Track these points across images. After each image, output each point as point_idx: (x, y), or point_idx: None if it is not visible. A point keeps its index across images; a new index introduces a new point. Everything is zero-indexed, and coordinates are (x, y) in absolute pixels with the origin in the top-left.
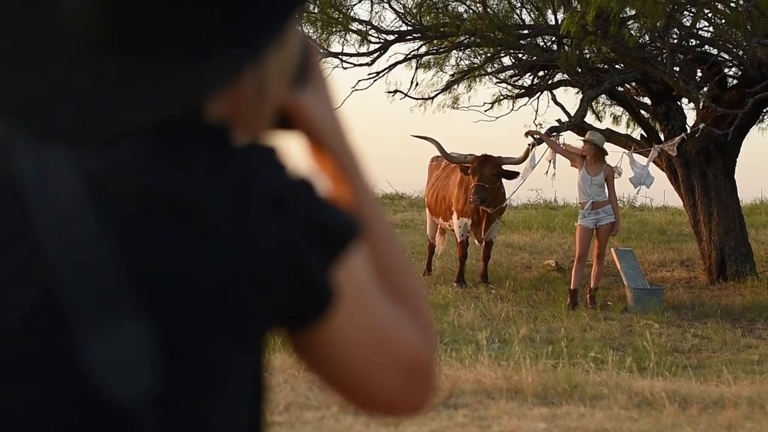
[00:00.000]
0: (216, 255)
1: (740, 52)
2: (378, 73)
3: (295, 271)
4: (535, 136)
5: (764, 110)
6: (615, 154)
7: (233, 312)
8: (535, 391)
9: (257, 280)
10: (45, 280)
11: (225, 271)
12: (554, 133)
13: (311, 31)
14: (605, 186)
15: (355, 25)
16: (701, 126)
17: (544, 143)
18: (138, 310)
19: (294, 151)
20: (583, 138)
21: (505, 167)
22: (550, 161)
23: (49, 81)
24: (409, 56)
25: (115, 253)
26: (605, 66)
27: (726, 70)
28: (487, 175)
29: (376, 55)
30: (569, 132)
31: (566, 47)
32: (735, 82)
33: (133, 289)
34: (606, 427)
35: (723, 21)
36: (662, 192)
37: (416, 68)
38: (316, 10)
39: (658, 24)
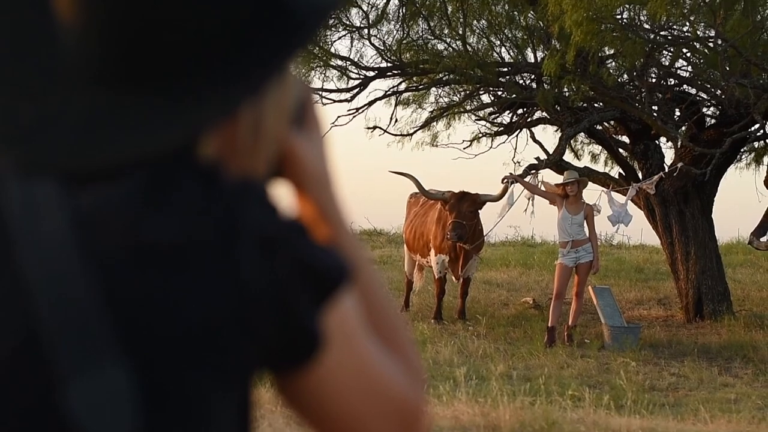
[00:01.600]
0: (202, 297)
1: (718, 92)
2: (357, 109)
3: (282, 313)
4: (511, 181)
5: (742, 149)
6: (593, 193)
7: (219, 354)
8: (512, 429)
9: (244, 322)
10: (27, 320)
11: (211, 314)
12: (533, 171)
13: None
14: (585, 225)
15: (335, 61)
16: (679, 165)
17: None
18: (121, 354)
19: (284, 194)
20: (563, 181)
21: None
22: (528, 199)
23: (41, 112)
24: (389, 93)
25: (99, 295)
26: (584, 104)
27: (704, 109)
28: (464, 211)
29: (356, 91)
30: (548, 170)
31: (545, 85)
32: (713, 121)
33: (116, 332)
34: None
35: (701, 61)
36: (639, 230)
37: (395, 105)
38: None
39: (636, 63)
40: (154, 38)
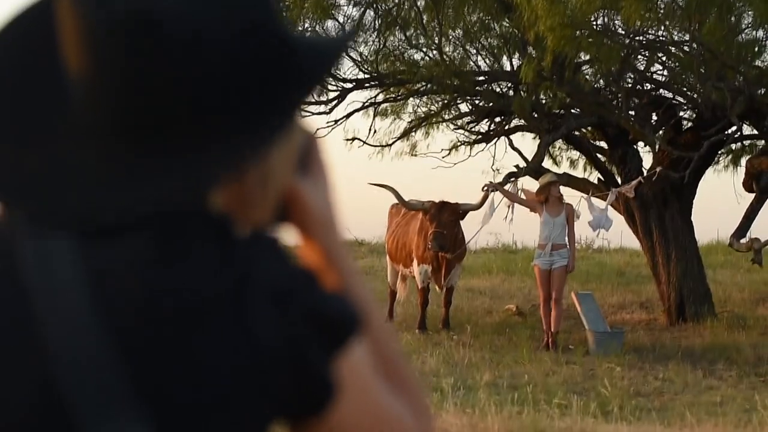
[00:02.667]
0: (217, 355)
1: (694, 95)
2: (336, 121)
3: (297, 365)
4: (491, 189)
5: (719, 152)
6: (573, 198)
7: (235, 410)
8: None
9: (259, 377)
10: (46, 375)
11: (226, 372)
12: (512, 179)
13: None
14: (566, 227)
15: None
16: (658, 169)
17: (504, 188)
18: (138, 410)
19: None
20: (540, 184)
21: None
22: (508, 206)
23: (52, 167)
24: (367, 104)
25: (115, 352)
26: (561, 111)
27: (681, 113)
28: (444, 221)
29: (334, 103)
30: (528, 177)
31: (522, 93)
32: (690, 125)
33: (132, 389)
34: None
35: (677, 65)
36: (619, 233)
37: (374, 116)
38: None
39: (612, 69)
40: (161, 94)
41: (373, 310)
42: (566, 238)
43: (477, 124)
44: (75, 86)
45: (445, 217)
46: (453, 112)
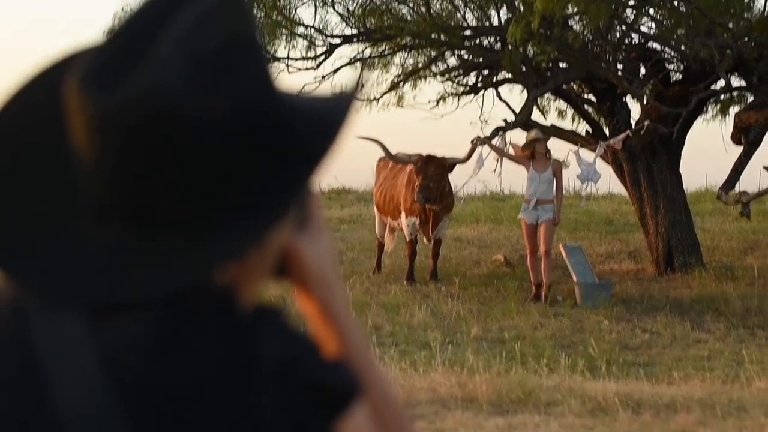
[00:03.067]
0: (225, 430)
1: (683, 47)
2: (324, 76)
3: None
4: (479, 143)
5: (707, 104)
6: (561, 151)
7: None
8: (489, 399)
9: None
10: None
11: None
12: (500, 132)
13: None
14: (554, 182)
15: (300, 29)
16: (646, 123)
17: (492, 142)
18: None
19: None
20: (526, 140)
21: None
22: (497, 160)
23: (60, 247)
24: (354, 59)
25: (127, 429)
26: (550, 65)
27: (669, 66)
28: (431, 174)
29: (321, 59)
30: (516, 130)
31: (510, 47)
32: (678, 77)
33: None
34: None
35: (665, 19)
36: (607, 179)
37: (361, 70)
38: (260, 15)
39: (600, 24)
40: (167, 178)
41: (371, 365)
42: (553, 194)
43: (465, 77)
44: (82, 168)
45: (432, 170)
46: (440, 65)
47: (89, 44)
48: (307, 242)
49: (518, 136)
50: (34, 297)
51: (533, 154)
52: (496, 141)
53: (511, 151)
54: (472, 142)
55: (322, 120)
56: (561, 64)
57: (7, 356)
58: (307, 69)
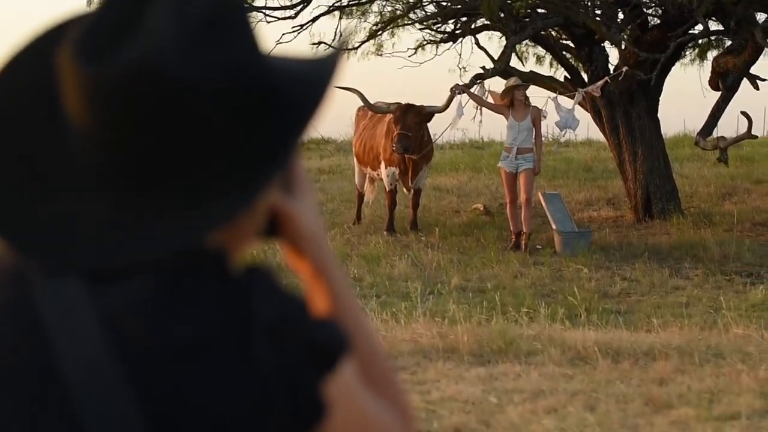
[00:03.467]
0: (223, 389)
1: None
2: (302, 25)
3: (291, 392)
4: (458, 91)
5: (685, 49)
6: (540, 99)
7: None
8: (470, 350)
9: (260, 406)
10: (70, 417)
11: (231, 403)
12: (479, 81)
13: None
14: (533, 130)
15: None
16: (624, 69)
17: (471, 90)
18: None
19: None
20: (505, 86)
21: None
22: (476, 108)
23: (56, 215)
24: (332, 8)
25: (133, 393)
26: (528, 11)
27: (647, 10)
28: (409, 124)
29: (299, 8)
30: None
31: None
32: (656, 21)
33: (149, 427)
34: (542, 388)
35: None
36: (585, 125)
37: (339, 18)
38: None
39: None
40: (163, 143)
41: (359, 317)
42: (532, 142)
43: (443, 24)
44: (76, 136)
45: (410, 120)
46: (419, 13)
47: (81, 12)
48: (294, 203)
49: (497, 84)
50: (33, 264)
51: (512, 102)
52: (475, 89)
53: (490, 99)
54: (451, 90)
55: (309, 81)
56: (539, 10)
57: (12, 322)
58: (284, 18)
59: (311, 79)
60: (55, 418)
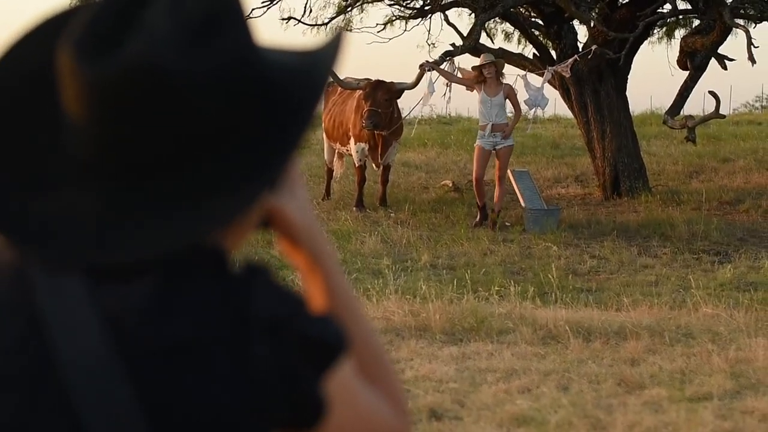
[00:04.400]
0: (222, 387)
1: None
2: (272, 0)
3: (291, 390)
4: (428, 68)
5: (653, 28)
6: (510, 77)
7: None
8: (442, 328)
9: (258, 403)
10: (70, 414)
11: (230, 400)
12: (449, 58)
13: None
14: (505, 106)
15: None
16: (593, 48)
17: (441, 67)
18: None
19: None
20: (479, 63)
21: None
22: (446, 85)
23: (61, 210)
24: None
25: (132, 391)
26: None
27: None
28: (379, 100)
29: None
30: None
31: None
32: (625, 1)
33: (150, 425)
34: (515, 367)
35: None
36: (553, 102)
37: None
38: None
39: None
40: (163, 141)
41: (356, 307)
42: (506, 118)
43: (412, 0)
44: (75, 130)
45: (380, 96)
46: None
47: (80, 5)
48: (287, 198)
49: (466, 61)
50: (32, 260)
51: (484, 79)
52: (444, 65)
53: (460, 75)
54: (420, 67)
55: (307, 74)
56: None
57: (12, 319)
58: None
59: (309, 72)
60: (55, 416)
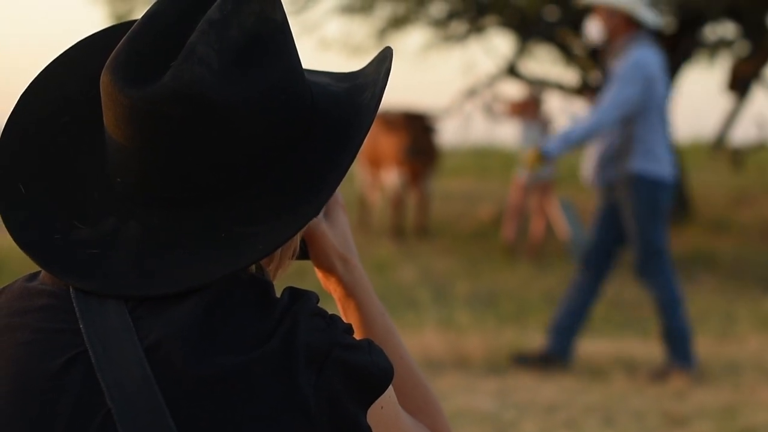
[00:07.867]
0: (270, 417)
1: None
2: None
3: (336, 419)
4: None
5: (696, 52)
6: (553, 106)
7: None
8: (482, 361)
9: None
10: None
11: (278, 431)
12: (488, 84)
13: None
14: (547, 133)
15: None
16: None
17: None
18: None
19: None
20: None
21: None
22: (487, 113)
23: (100, 238)
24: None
25: (172, 421)
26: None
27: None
28: (418, 128)
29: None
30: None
31: None
32: (671, 26)
33: None
34: (557, 401)
35: None
36: None
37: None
38: None
39: None
40: (207, 168)
41: (395, 338)
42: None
43: (451, 25)
44: (119, 159)
45: (419, 124)
46: (426, 14)
47: (121, 26)
48: (328, 227)
49: (508, 87)
50: (76, 287)
51: (525, 107)
52: (484, 92)
53: (500, 106)
54: (459, 101)
55: (351, 101)
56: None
57: (55, 345)
58: (290, 14)
59: (353, 98)
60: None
